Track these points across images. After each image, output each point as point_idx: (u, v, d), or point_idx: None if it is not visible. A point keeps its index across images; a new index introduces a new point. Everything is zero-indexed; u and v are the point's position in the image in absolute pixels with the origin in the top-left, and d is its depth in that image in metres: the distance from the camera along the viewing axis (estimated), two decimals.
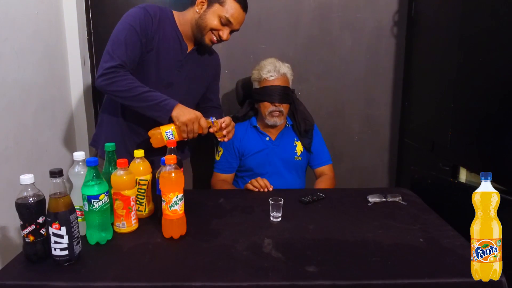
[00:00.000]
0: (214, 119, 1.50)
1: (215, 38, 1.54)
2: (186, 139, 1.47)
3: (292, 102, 1.88)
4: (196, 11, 1.52)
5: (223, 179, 1.89)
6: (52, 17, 1.99)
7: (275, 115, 1.81)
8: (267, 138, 1.89)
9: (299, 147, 1.90)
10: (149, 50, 1.50)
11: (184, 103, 1.48)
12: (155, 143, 1.44)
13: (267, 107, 1.81)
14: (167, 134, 1.42)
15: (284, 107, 1.81)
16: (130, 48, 1.45)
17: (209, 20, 1.50)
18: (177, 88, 1.59)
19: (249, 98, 1.98)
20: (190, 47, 1.60)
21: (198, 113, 1.45)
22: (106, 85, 1.43)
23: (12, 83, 1.65)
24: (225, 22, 1.50)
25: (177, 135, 1.44)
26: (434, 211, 1.47)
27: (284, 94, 1.80)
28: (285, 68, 1.83)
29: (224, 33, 1.52)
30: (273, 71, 1.80)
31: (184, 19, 1.57)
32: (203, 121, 1.45)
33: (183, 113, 1.42)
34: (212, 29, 1.52)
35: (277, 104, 1.79)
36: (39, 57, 1.84)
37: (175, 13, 1.59)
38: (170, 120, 1.44)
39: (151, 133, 1.44)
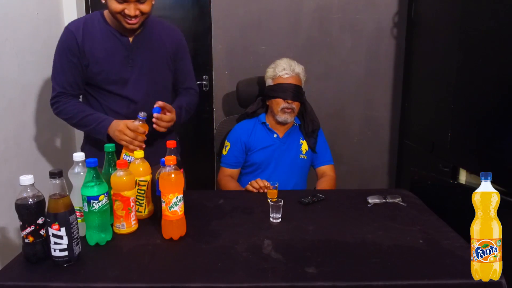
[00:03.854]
0: (142, 114, 1.43)
1: (128, 20, 1.43)
2: (142, 147, 1.42)
3: (303, 103, 1.91)
4: (103, 2, 1.46)
5: (229, 174, 1.91)
6: (52, 17, 1.99)
7: (286, 111, 1.84)
8: (275, 135, 1.91)
9: (304, 146, 1.93)
10: (87, 64, 1.49)
11: (154, 94, 1.49)
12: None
13: (279, 104, 1.84)
14: (125, 158, 1.43)
15: (295, 105, 1.85)
16: (67, 72, 1.48)
17: (110, 6, 1.42)
18: (135, 82, 1.55)
19: (255, 98, 2.02)
20: (132, 37, 1.53)
21: (121, 122, 1.42)
22: (56, 114, 1.53)
23: (12, 83, 1.65)
24: (120, 0, 1.40)
25: (130, 152, 1.42)
26: (434, 212, 1.47)
27: (296, 92, 1.84)
28: (299, 68, 1.88)
29: (130, 10, 1.40)
30: (288, 69, 1.84)
31: (109, 15, 1.51)
32: (131, 125, 1.41)
33: (113, 133, 1.44)
34: (118, 13, 1.42)
35: (289, 101, 1.82)
36: (39, 57, 1.85)
37: (105, 12, 1.53)
38: None
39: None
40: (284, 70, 1.84)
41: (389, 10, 2.40)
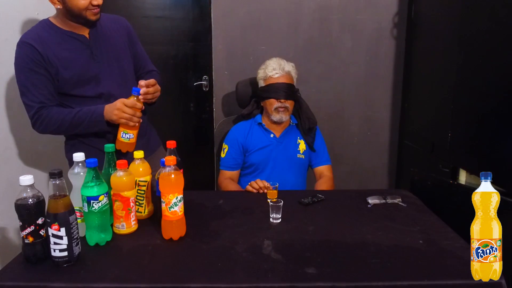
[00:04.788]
0: (138, 90, 1.45)
1: (95, 10, 1.44)
2: (137, 124, 1.46)
3: (297, 100, 1.91)
4: (58, 7, 1.44)
5: (229, 177, 1.91)
6: None
7: (280, 110, 1.85)
8: (272, 135, 1.92)
9: (302, 145, 1.93)
10: (56, 71, 1.45)
11: (126, 83, 1.48)
12: (126, 149, 1.48)
13: (272, 104, 1.84)
14: (124, 137, 1.45)
15: (289, 103, 1.85)
16: (39, 85, 1.43)
17: (77, 5, 1.40)
18: (108, 75, 1.54)
19: (250, 99, 2.01)
20: (86, 33, 1.52)
21: (117, 101, 1.43)
22: (42, 130, 1.47)
23: (12, 83, 1.65)
24: None
25: (129, 129, 1.45)
26: (433, 212, 1.47)
27: (288, 90, 1.84)
28: (289, 67, 1.89)
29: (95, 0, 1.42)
30: (278, 68, 1.85)
31: (59, 18, 1.49)
32: (128, 101, 1.43)
33: (110, 113, 1.43)
34: (84, 9, 1.42)
35: (282, 100, 1.83)
36: None
37: (51, 18, 1.51)
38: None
39: (117, 145, 1.45)
40: (274, 70, 1.84)
41: (389, 10, 2.40)
